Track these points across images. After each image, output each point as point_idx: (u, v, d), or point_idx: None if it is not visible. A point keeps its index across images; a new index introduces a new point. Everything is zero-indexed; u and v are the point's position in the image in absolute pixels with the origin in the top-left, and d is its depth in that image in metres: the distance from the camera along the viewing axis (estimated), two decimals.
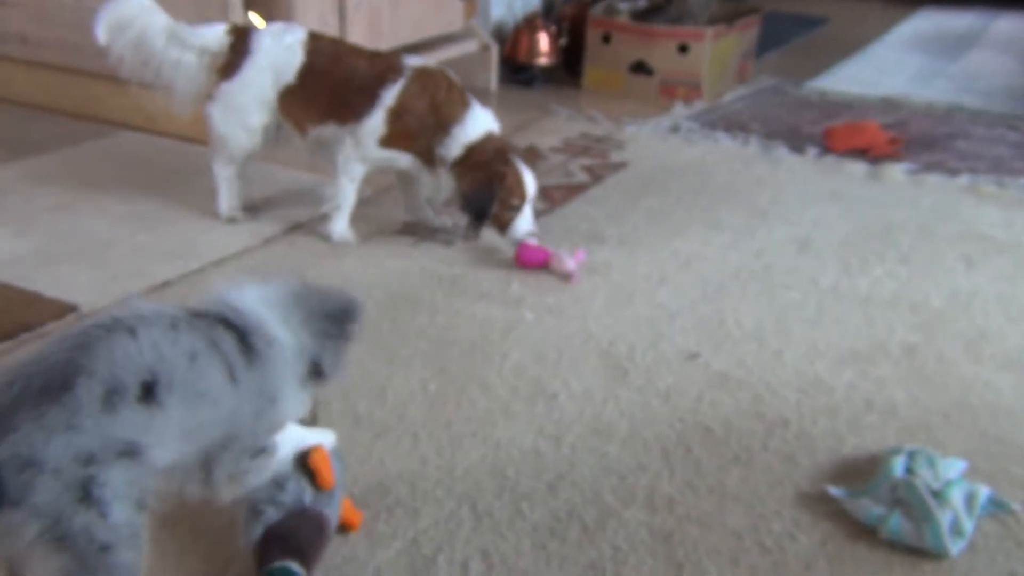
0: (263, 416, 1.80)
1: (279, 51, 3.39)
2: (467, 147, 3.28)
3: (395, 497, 2.19)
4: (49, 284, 3.11)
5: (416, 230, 3.61)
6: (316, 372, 1.90)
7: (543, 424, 2.46)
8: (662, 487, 2.24)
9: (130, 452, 1.55)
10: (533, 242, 3.33)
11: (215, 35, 3.46)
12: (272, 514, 1.89)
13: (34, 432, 1.49)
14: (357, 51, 3.45)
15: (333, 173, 3.49)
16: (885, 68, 6.22)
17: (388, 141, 3.34)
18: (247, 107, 3.44)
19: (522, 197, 3.30)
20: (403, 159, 3.38)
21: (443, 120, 3.29)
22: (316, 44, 3.41)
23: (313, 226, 3.57)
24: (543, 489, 2.23)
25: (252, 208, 3.72)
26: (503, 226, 3.33)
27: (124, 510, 1.55)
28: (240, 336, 1.76)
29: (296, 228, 3.59)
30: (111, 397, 1.54)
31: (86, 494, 1.50)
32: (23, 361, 1.58)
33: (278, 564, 1.82)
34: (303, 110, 3.43)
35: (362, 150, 3.37)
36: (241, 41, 3.43)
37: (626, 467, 2.31)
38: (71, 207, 3.76)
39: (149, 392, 1.58)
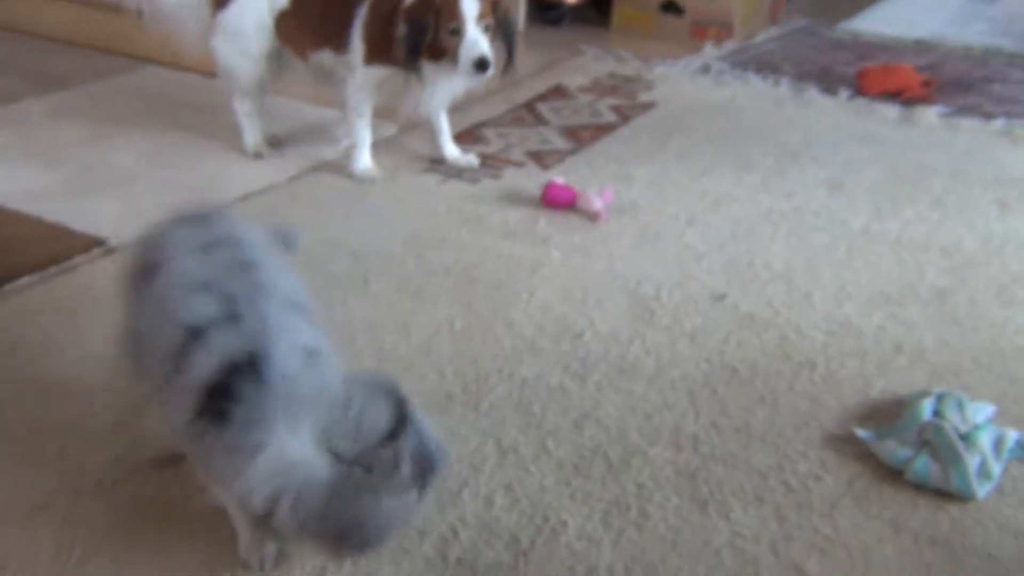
0: None
1: None
2: None
3: None
4: (76, 217, 3.12)
5: (442, 168, 3.58)
6: None
7: (569, 362, 2.46)
8: (687, 426, 2.24)
9: None
10: (558, 181, 3.30)
11: None
12: None
13: None
14: None
15: (341, 109, 3.48)
16: (921, 9, 6.09)
17: (370, 57, 3.28)
18: (245, 33, 3.43)
19: (455, 17, 3.08)
20: (392, 78, 3.31)
21: (399, 3, 3.17)
22: None
23: (338, 163, 3.55)
24: (568, 426, 2.23)
25: (278, 144, 3.71)
26: (449, 55, 3.14)
27: None
28: None
29: (322, 165, 3.58)
30: None
31: None
32: None
33: None
34: (299, 35, 3.42)
35: (358, 77, 3.34)
36: None
37: (651, 406, 2.30)
38: (97, 141, 3.76)
39: None
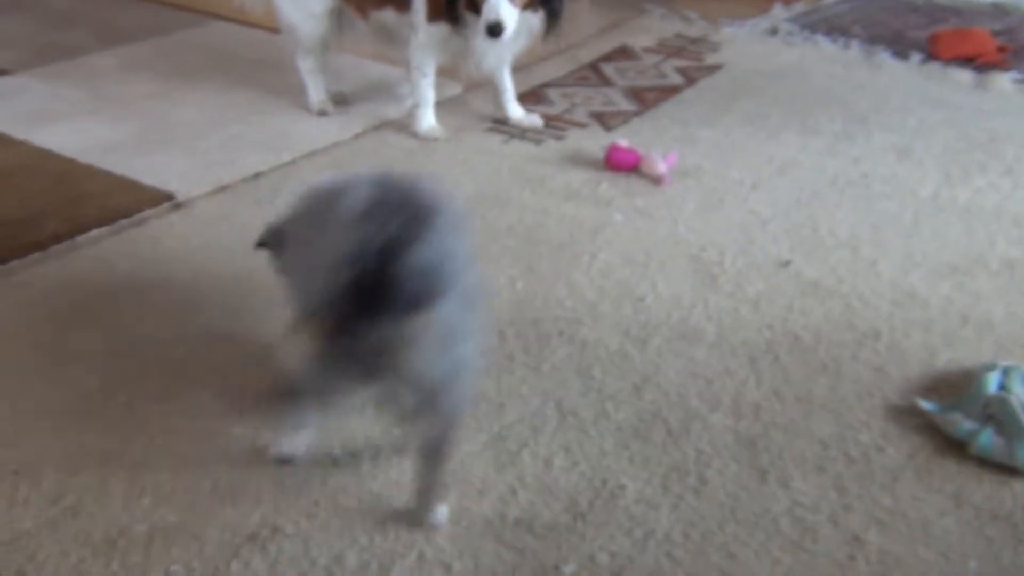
0: None
1: None
2: None
3: (481, 392, 2.20)
4: (145, 171, 3.17)
5: (506, 128, 3.58)
6: None
7: (630, 326, 2.45)
8: (748, 393, 2.23)
9: None
10: (621, 143, 3.28)
11: None
12: None
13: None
14: None
15: (405, 68, 3.49)
16: None
17: (432, 14, 3.27)
18: None
19: None
20: (455, 36, 3.29)
21: None
22: None
23: (402, 122, 3.56)
24: (629, 390, 2.23)
25: (343, 101, 3.73)
26: (478, 10, 3.11)
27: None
28: None
29: (386, 123, 3.59)
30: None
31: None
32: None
33: None
34: None
35: (420, 36, 3.34)
36: None
37: (713, 372, 2.30)
38: (165, 95, 3.80)
39: None
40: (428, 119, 3.49)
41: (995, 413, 2.07)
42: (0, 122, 3.51)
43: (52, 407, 2.15)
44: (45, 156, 3.28)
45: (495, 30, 3.05)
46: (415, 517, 1.87)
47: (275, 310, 2.40)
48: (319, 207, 1.83)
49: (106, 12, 4.74)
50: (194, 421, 2.12)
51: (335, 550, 1.82)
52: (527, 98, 3.76)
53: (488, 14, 3.04)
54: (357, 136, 3.50)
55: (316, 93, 3.65)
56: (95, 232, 2.82)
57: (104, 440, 2.06)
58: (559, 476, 1.99)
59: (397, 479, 1.97)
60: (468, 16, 3.16)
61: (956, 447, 2.06)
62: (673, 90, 3.96)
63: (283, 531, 1.85)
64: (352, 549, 1.82)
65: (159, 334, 2.40)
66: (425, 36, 3.33)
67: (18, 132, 3.43)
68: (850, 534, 1.86)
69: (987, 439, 2.03)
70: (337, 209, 1.68)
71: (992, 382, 2.16)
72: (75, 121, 3.55)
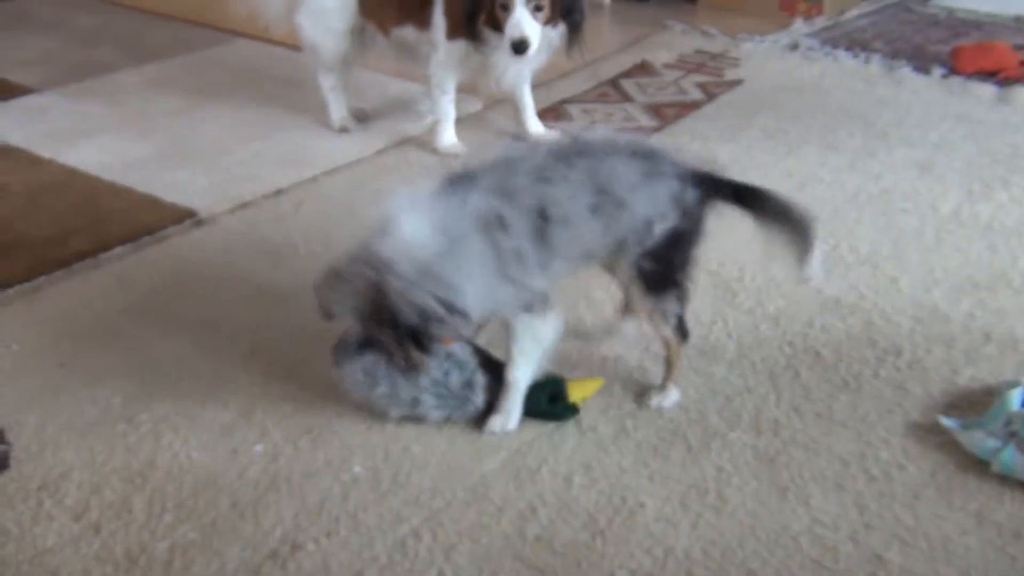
0: None
1: None
2: None
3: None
4: (168, 188, 3.20)
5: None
6: None
7: (649, 343, 2.45)
8: (768, 410, 2.23)
9: None
10: None
11: None
12: None
13: None
14: None
15: (425, 84, 3.51)
16: None
17: (451, 32, 3.29)
18: (328, 9, 3.48)
19: None
20: (474, 53, 3.30)
21: None
22: None
23: (423, 138, 3.58)
24: (648, 408, 2.23)
25: (365, 118, 3.76)
26: (498, 27, 3.11)
27: None
28: None
29: (407, 140, 3.61)
30: None
31: None
32: None
33: None
34: (382, 11, 3.46)
35: (441, 53, 3.36)
36: None
37: (732, 389, 2.29)
38: (188, 113, 3.84)
39: None
40: (449, 135, 3.51)
41: (1018, 431, 2.05)
42: (28, 140, 3.56)
43: (75, 424, 2.18)
44: (71, 174, 3.31)
45: (520, 47, 3.06)
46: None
47: (297, 325, 2.43)
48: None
49: (133, 30, 4.80)
50: (216, 438, 2.14)
51: (355, 568, 1.83)
52: (547, 114, 3.78)
53: (512, 31, 3.06)
54: (378, 153, 3.52)
55: (337, 110, 3.68)
56: (118, 249, 2.86)
57: (127, 457, 2.08)
58: (579, 494, 1.99)
59: (416, 496, 1.98)
60: (488, 33, 3.18)
61: (978, 465, 2.05)
62: (693, 106, 3.97)
63: (303, 548, 1.86)
64: (372, 567, 1.83)
65: (181, 351, 2.42)
66: (445, 53, 3.35)
67: (45, 151, 3.48)
68: (871, 552, 1.86)
69: (1009, 456, 2.02)
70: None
71: (1015, 399, 2.15)
72: (100, 139, 3.59)
